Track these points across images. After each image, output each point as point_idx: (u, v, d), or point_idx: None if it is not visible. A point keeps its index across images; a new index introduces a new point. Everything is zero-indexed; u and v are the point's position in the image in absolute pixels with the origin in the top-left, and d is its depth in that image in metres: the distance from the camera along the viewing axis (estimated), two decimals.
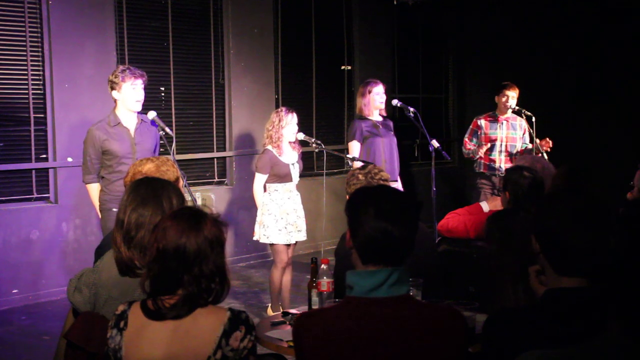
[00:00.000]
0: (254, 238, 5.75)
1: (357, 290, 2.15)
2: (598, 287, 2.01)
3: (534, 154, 6.54)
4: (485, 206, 4.43)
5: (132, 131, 5.06)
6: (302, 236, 5.72)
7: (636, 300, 1.47)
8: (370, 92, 6.29)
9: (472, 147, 6.83)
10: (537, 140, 6.64)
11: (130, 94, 5.02)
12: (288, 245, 5.70)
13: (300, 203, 5.75)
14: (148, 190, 2.77)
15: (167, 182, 2.96)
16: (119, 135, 5.00)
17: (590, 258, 2.04)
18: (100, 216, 5.15)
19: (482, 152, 6.68)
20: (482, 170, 6.78)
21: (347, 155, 6.11)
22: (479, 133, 6.81)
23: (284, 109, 5.74)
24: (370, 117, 6.30)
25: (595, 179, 3.36)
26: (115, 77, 5.02)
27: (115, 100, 5.09)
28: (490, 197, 5.76)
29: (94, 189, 5.11)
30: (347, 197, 3.75)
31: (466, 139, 6.92)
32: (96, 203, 5.12)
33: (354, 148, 6.24)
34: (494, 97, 6.87)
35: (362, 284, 2.15)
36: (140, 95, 5.07)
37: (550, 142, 6.59)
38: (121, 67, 5.13)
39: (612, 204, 2.25)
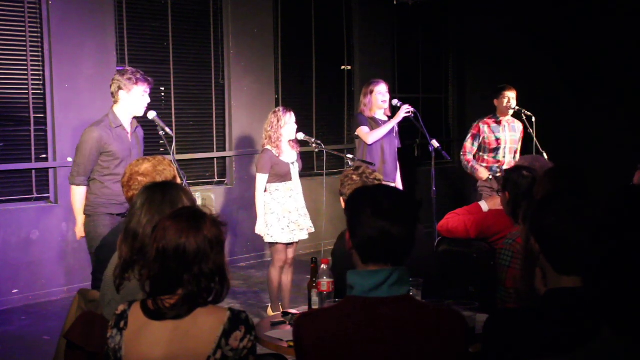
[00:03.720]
0: (265, 240, 5.74)
1: (358, 290, 2.15)
2: (594, 287, 2.00)
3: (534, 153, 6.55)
4: (484, 205, 4.43)
5: (129, 135, 5.02)
6: (304, 235, 5.73)
7: (632, 299, 1.46)
8: (372, 92, 6.27)
9: (472, 164, 6.68)
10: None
11: (139, 99, 4.92)
12: (289, 245, 5.70)
13: (302, 201, 5.75)
14: (165, 200, 2.73)
15: (178, 186, 2.93)
16: (120, 137, 4.90)
17: (590, 257, 2.04)
18: (79, 220, 4.88)
19: (482, 175, 6.56)
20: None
21: (347, 155, 6.10)
22: (480, 138, 6.75)
23: (281, 108, 5.74)
24: (373, 117, 6.28)
25: (588, 178, 3.35)
26: (129, 79, 4.87)
27: (116, 100, 4.95)
28: (490, 197, 5.74)
29: (82, 192, 4.86)
30: (342, 198, 3.77)
31: (467, 144, 6.77)
32: (80, 207, 4.86)
33: (363, 131, 6.19)
34: (493, 100, 6.84)
35: (362, 284, 2.15)
36: (147, 102, 5.02)
37: None
38: (132, 69, 5.01)
39: (612, 203, 2.25)
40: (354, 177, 3.79)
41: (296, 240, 5.69)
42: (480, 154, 6.75)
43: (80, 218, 4.89)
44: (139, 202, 2.75)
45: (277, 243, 5.64)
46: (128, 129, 5.00)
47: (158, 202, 2.72)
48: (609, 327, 1.48)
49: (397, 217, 2.15)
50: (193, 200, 2.84)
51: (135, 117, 5.05)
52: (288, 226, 5.61)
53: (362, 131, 6.20)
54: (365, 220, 2.15)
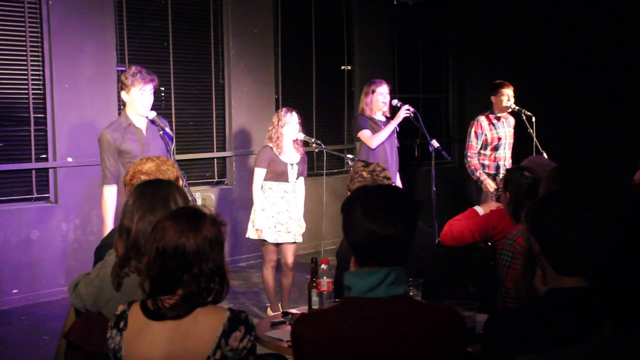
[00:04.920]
0: (246, 235, 5.76)
1: (355, 290, 2.14)
2: (596, 287, 2.00)
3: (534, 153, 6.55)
4: (480, 210, 4.42)
5: (143, 131, 5.04)
6: (290, 238, 5.65)
7: (632, 297, 1.46)
8: (373, 91, 6.27)
9: (480, 172, 6.59)
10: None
11: (137, 98, 4.96)
12: (279, 245, 5.68)
13: (295, 205, 5.72)
14: (156, 196, 2.74)
15: (170, 182, 2.95)
16: (132, 135, 4.96)
17: (590, 257, 2.04)
18: (107, 225, 4.80)
19: (490, 187, 6.46)
20: (487, 171, 6.70)
21: (347, 155, 6.10)
22: (483, 135, 6.70)
23: (284, 109, 5.75)
24: (373, 117, 6.29)
25: (588, 178, 3.36)
26: (126, 79, 4.94)
27: (123, 101, 5.05)
28: (485, 202, 5.72)
29: (112, 193, 4.85)
30: (349, 193, 3.75)
31: (472, 143, 6.66)
32: (111, 208, 4.82)
33: (365, 135, 6.18)
34: (490, 97, 6.80)
35: (359, 284, 2.14)
36: (148, 100, 5.00)
37: None
38: (133, 69, 5.02)
39: (612, 203, 2.25)
40: (364, 173, 3.76)
41: (281, 241, 5.65)
42: (482, 151, 6.73)
43: (108, 222, 4.80)
44: (131, 200, 2.78)
45: (265, 242, 5.64)
46: (142, 127, 5.02)
47: (148, 198, 2.74)
48: (613, 324, 1.48)
49: (385, 218, 2.12)
50: (185, 196, 2.86)
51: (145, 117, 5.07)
52: (275, 226, 5.60)
53: (364, 135, 6.19)
54: (355, 221, 2.14)
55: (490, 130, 6.69)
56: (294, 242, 5.71)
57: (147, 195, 2.76)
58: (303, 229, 5.77)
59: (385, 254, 2.14)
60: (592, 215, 2.06)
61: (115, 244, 2.73)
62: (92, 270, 2.86)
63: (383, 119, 6.35)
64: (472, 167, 6.67)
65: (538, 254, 2.13)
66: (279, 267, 5.81)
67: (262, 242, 5.68)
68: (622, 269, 1.49)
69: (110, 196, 4.87)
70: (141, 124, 5.03)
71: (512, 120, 6.84)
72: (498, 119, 6.73)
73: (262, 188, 5.65)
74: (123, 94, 4.99)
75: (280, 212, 5.61)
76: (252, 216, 5.70)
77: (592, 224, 2.05)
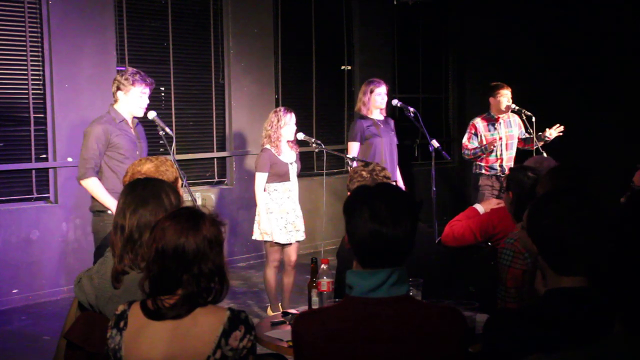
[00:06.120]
0: (253, 237, 5.75)
1: (357, 290, 2.14)
2: (599, 287, 2.00)
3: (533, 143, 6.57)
4: (480, 208, 4.41)
5: (132, 130, 5.05)
6: (300, 236, 5.71)
7: (631, 297, 1.46)
8: (372, 91, 6.27)
9: (475, 148, 6.65)
10: (549, 132, 6.61)
11: (136, 100, 4.96)
12: (285, 245, 5.69)
13: (297, 202, 5.75)
14: (146, 190, 2.78)
15: (161, 180, 2.98)
16: (125, 131, 4.95)
17: (587, 256, 2.04)
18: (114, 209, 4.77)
19: (494, 146, 6.53)
20: (482, 171, 6.71)
21: (347, 155, 6.10)
22: (479, 136, 6.72)
23: (282, 108, 5.74)
24: (370, 117, 6.29)
25: (588, 177, 3.35)
26: (126, 80, 4.92)
27: (115, 100, 4.99)
28: (485, 199, 5.72)
29: (98, 183, 4.78)
30: (349, 193, 3.75)
31: (466, 142, 6.73)
32: (106, 196, 4.72)
33: (353, 148, 6.23)
34: (488, 98, 6.79)
35: (362, 284, 2.14)
36: (146, 103, 5.04)
37: (561, 126, 6.59)
38: (132, 70, 5.04)
39: (612, 203, 2.25)
40: (364, 173, 3.76)
41: (293, 241, 5.68)
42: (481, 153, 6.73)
43: (114, 207, 4.74)
44: (122, 198, 2.80)
45: (272, 242, 5.64)
46: (132, 124, 5.03)
47: (139, 192, 2.77)
48: (621, 324, 1.47)
49: (391, 219, 2.12)
50: (176, 192, 2.88)
51: (134, 117, 5.08)
52: (285, 227, 5.61)
53: (351, 148, 6.23)
54: (360, 222, 2.13)
55: (486, 131, 6.68)
56: (302, 239, 5.76)
57: (138, 190, 2.79)
58: (303, 224, 5.81)
59: (389, 254, 2.14)
60: (588, 214, 2.06)
61: (111, 241, 2.74)
62: (93, 266, 2.87)
63: (381, 117, 6.36)
64: (468, 151, 6.69)
65: (536, 255, 2.13)
66: (280, 266, 5.81)
67: (267, 243, 5.68)
68: (620, 269, 1.49)
69: (98, 184, 4.77)
70: (132, 122, 5.04)
71: (514, 119, 6.82)
72: (495, 120, 6.71)
73: (266, 191, 5.65)
74: (119, 94, 4.95)
75: (288, 212, 5.63)
76: (257, 218, 5.70)
77: (589, 223, 2.05)
